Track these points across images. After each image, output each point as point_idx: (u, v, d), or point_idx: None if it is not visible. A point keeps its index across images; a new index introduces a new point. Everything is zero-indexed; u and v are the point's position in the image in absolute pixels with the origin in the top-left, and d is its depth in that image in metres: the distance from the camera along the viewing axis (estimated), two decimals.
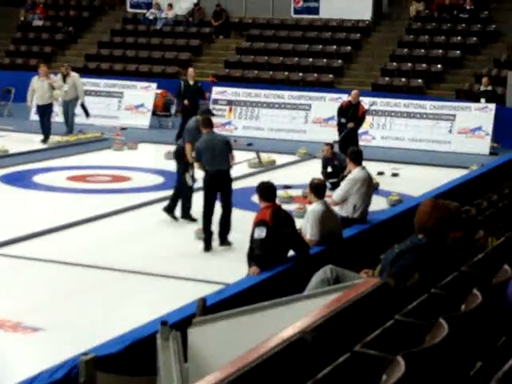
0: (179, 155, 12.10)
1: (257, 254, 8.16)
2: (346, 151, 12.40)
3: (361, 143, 16.79)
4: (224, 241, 10.83)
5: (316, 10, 26.51)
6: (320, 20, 26.36)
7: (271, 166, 16.88)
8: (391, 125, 20.40)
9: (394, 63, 24.00)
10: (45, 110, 19.06)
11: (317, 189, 9.12)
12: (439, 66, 23.53)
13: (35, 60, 26.10)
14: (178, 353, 4.95)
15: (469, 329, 3.89)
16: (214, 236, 10.83)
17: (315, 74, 24.10)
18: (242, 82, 23.89)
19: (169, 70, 25.61)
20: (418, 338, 3.78)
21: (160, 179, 15.50)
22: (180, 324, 5.73)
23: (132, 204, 13.12)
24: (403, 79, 23.14)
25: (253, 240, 8.30)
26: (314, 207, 9.03)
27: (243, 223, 10.58)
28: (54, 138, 18.90)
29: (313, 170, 14.53)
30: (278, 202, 8.99)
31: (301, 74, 24.21)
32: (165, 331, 5.17)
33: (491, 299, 4.21)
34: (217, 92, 22.15)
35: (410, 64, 23.66)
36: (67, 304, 8.71)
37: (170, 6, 27.95)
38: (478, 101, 20.32)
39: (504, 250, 5.90)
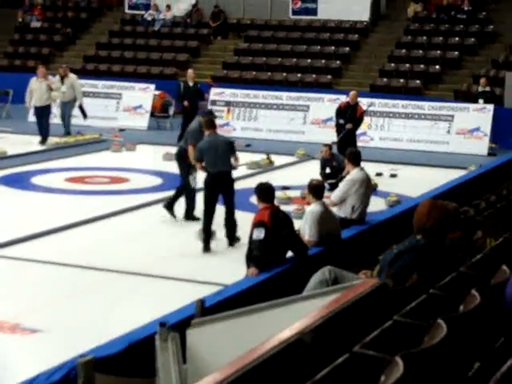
0: (181, 157, 12.10)
1: (255, 254, 8.16)
2: (344, 152, 12.40)
3: (359, 144, 16.80)
4: (232, 240, 10.85)
5: (314, 11, 26.51)
6: (318, 21, 26.37)
7: (269, 166, 16.90)
8: (389, 126, 20.41)
9: (392, 64, 24.01)
10: (43, 112, 19.05)
11: (315, 190, 9.12)
12: (437, 66, 23.54)
13: (33, 61, 26.06)
14: (176, 354, 4.95)
15: (467, 329, 3.89)
16: (216, 237, 10.85)
17: (313, 75, 24.11)
18: (240, 83, 23.89)
19: (167, 71, 25.60)
20: (417, 338, 3.78)
21: (158, 180, 15.50)
22: (179, 325, 5.73)
23: (130, 205, 13.12)
24: (401, 80, 23.15)
25: (251, 241, 8.31)
26: (313, 208, 9.04)
27: (242, 224, 10.61)
28: (53, 140, 18.89)
29: (311, 170, 14.53)
30: (276, 202, 9.00)
31: (299, 75, 24.22)
32: (163, 332, 5.17)
33: (489, 300, 4.21)
34: (215, 93, 22.15)
35: (408, 65, 23.68)
36: (66, 305, 8.70)
37: (168, 7, 27.95)
38: (476, 101, 20.33)
39: (502, 250, 5.90)
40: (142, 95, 22.62)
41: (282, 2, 26.92)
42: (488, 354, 4.01)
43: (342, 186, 10.36)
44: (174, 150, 15.98)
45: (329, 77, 23.99)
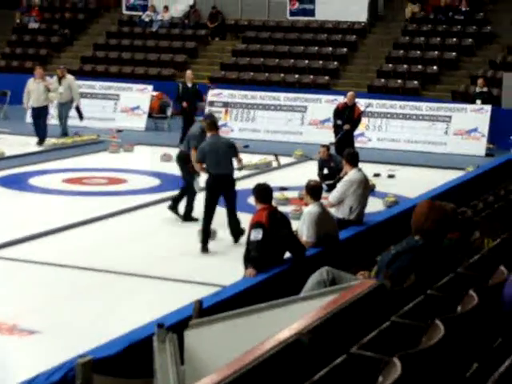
0: (182, 160, 12.11)
1: (253, 255, 8.16)
2: (342, 153, 12.41)
3: (357, 145, 16.79)
4: (238, 236, 10.88)
5: (312, 12, 26.51)
6: (316, 22, 26.37)
7: (267, 167, 16.89)
8: (387, 126, 20.42)
9: (390, 65, 24.02)
10: (40, 113, 19.03)
11: (313, 191, 9.13)
12: (435, 67, 23.55)
13: (31, 62, 26.05)
14: (174, 355, 4.95)
15: (465, 330, 3.89)
16: (217, 236, 10.89)
17: (311, 76, 24.12)
18: (237, 83, 23.90)
19: (165, 72, 25.60)
20: (415, 339, 3.78)
21: (156, 181, 15.50)
22: (177, 326, 5.73)
23: (128, 206, 13.11)
24: (399, 81, 23.16)
25: (249, 242, 8.31)
26: (311, 209, 9.04)
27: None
28: (50, 141, 18.88)
29: (309, 171, 14.53)
30: (274, 203, 9.00)
31: (297, 76, 24.23)
32: (161, 333, 5.17)
33: (487, 300, 4.21)
34: (212, 94, 22.15)
35: (405, 65, 23.69)
36: (64, 306, 8.69)
37: (166, 8, 27.94)
38: (473, 102, 20.35)
39: (500, 251, 5.90)
40: (139, 96, 22.62)
41: (280, 3, 26.93)
42: (486, 354, 4.01)
43: (339, 186, 10.37)
44: (171, 150, 16.08)
45: (326, 77, 24.00)
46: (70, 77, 20.01)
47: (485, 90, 20.61)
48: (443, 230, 6.00)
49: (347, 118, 16.56)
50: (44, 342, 7.71)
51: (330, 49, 25.20)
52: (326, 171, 14.60)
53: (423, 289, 4.68)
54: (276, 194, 11.60)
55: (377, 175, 15.83)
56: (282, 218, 8.52)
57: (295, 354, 3.89)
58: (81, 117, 19.92)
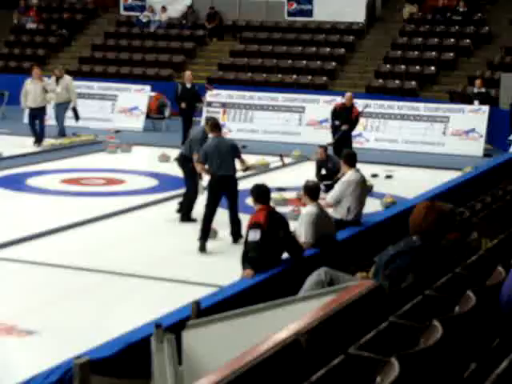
0: (183, 162, 12.10)
1: (251, 256, 8.16)
2: (339, 153, 12.42)
3: (355, 145, 16.80)
4: (238, 235, 10.90)
5: (309, 13, 26.54)
6: (313, 22, 26.40)
7: (265, 168, 16.88)
8: (385, 127, 20.42)
9: (388, 65, 24.04)
10: (38, 113, 19.01)
11: (311, 191, 9.13)
12: (433, 68, 23.57)
13: (29, 63, 26.02)
14: (172, 356, 4.95)
15: (463, 331, 3.89)
16: (218, 236, 10.91)
17: (309, 77, 24.13)
18: (235, 84, 23.90)
19: (163, 72, 25.60)
20: (412, 339, 3.78)
21: (154, 182, 15.48)
22: (174, 327, 5.73)
23: (126, 207, 13.10)
24: (397, 81, 23.18)
25: (247, 242, 8.31)
26: (308, 210, 9.04)
27: None
28: (48, 141, 18.87)
29: (307, 172, 14.54)
30: (272, 204, 9.00)
31: (294, 77, 24.24)
32: (159, 334, 5.17)
33: (485, 301, 4.21)
34: (210, 94, 22.13)
35: (403, 66, 23.71)
36: (62, 307, 8.69)
37: (164, 8, 27.95)
38: (471, 103, 20.37)
39: (498, 251, 5.91)
40: (137, 96, 22.61)
41: (278, 4, 26.94)
42: (484, 354, 4.01)
43: (337, 187, 10.37)
44: (169, 151, 16.08)
45: (324, 78, 24.01)
46: (67, 77, 19.98)
47: (483, 90, 20.63)
48: (441, 230, 5.99)
49: (345, 119, 16.56)
50: (42, 342, 7.70)
51: (328, 49, 25.21)
52: (323, 172, 14.61)
53: (421, 289, 4.68)
54: (274, 195, 11.60)
55: (375, 176, 15.84)
56: (279, 219, 8.53)
57: (293, 354, 3.89)
58: (77, 117, 19.88)
